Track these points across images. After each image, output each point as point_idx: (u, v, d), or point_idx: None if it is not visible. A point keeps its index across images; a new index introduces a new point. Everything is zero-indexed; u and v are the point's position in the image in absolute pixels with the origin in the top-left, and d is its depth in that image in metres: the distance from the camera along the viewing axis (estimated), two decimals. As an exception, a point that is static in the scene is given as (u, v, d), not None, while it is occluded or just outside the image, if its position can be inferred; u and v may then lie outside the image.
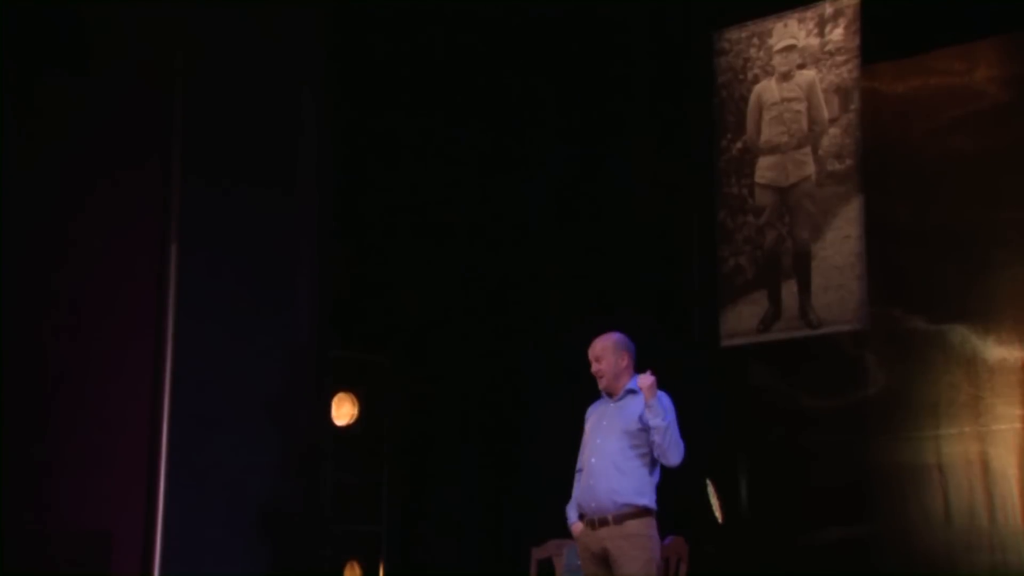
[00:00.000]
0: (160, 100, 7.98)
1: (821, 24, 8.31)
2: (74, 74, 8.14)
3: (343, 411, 8.48)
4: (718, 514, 8.30)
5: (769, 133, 8.50)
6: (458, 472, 8.84)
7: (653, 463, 5.98)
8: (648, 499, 5.95)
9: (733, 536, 8.20)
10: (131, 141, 8.07)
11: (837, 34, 8.25)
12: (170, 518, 7.52)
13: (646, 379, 5.91)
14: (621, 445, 5.95)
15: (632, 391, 6.05)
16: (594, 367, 6.11)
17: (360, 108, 8.96)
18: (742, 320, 8.43)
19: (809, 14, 8.36)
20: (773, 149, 8.48)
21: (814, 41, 8.34)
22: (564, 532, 6.95)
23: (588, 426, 6.18)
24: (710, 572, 7.40)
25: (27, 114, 8.12)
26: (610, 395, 6.12)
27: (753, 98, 8.60)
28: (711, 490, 8.30)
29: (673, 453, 5.91)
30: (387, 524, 8.49)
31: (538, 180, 9.11)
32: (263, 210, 8.19)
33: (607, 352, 6.09)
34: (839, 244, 8.10)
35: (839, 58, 8.22)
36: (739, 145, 8.62)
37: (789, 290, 8.29)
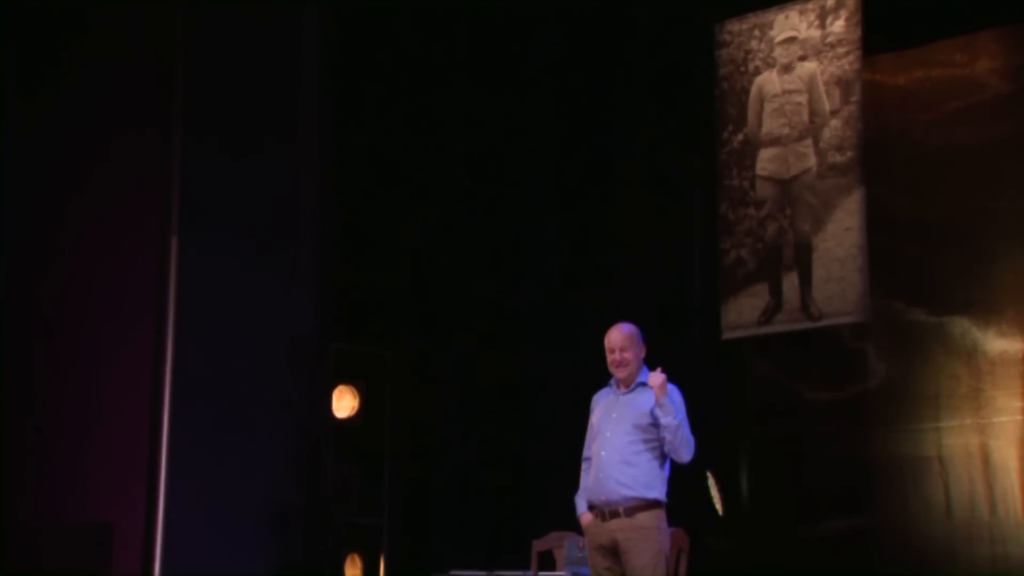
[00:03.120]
0: (159, 92, 7.99)
1: (822, 16, 8.31)
2: (74, 48, 8.16)
3: (344, 403, 8.47)
4: (719, 506, 8.30)
5: (770, 125, 8.50)
6: (459, 464, 8.84)
7: (663, 456, 5.97)
8: (658, 492, 5.94)
9: (734, 527, 8.20)
10: (131, 123, 8.09)
11: (838, 26, 8.24)
12: (171, 510, 7.53)
13: (657, 377, 5.87)
14: (631, 439, 5.93)
15: (643, 384, 6.02)
16: (616, 356, 6.02)
17: (362, 102, 8.97)
18: (743, 312, 8.43)
19: (810, 6, 8.35)
20: (774, 141, 8.47)
21: (815, 33, 8.33)
22: (565, 524, 6.96)
23: (595, 416, 6.14)
24: (711, 563, 7.41)
25: (27, 87, 8.15)
26: (623, 386, 6.08)
27: (754, 90, 8.59)
28: (712, 482, 8.30)
29: (684, 451, 5.92)
30: (388, 516, 8.48)
31: (538, 171, 9.11)
32: (265, 202, 8.20)
33: (631, 342, 6.05)
34: (840, 236, 8.10)
35: (840, 50, 8.22)
36: (740, 137, 8.61)
37: (790, 282, 8.29)
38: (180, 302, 7.72)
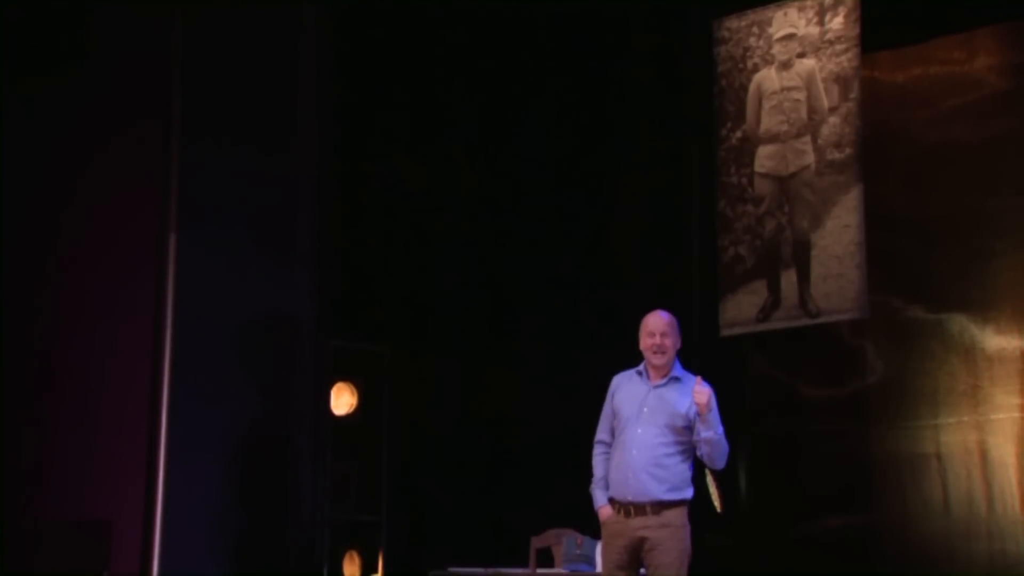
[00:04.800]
0: (158, 90, 7.99)
1: (821, 13, 8.30)
2: (74, 46, 8.18)
3: (342, 401, 8.48)
4: (717, 503, 8.30)
5: (769, 122, 8.49)
6: (457, 461, 8.84)
7: (692, 456, 5.93)
8: (686, 492, 5.92)
9: (732, 525, 8.20)
10: (130, 120, 8.10)
11: (837, 23, 8.23)
12: (169, 508, 7.55)
13: (704, 393, 5.78)
14: (664, 440, 5.86)
15: (676, 378, 5.96)
16: (656, 340, 5.91)
17: (361, 98, 8.97)
18: (742, 309, 8.43)
19: (809, 3, 8.34)
20: (773, 138, 8.47)
21: (814, 30, 8.33)
22: (563, 521, 6.96)
23: (623, 407, 5.98)
24: (709, 561, 7.41)
25: (27, 85, 8.17)
26: (657, 376, 5.97)
27: (753, 87, 8.58)
28: (710, 479, 8.30)
29: (720, 460, 5.91)
30: (386, 514, 8.49)
31: (537, 169, 9.10)
32: (263, 199, 8.21)
33: (673, 329, 5.98)
34: (838, 233, 8.09)
35: (839, 47, 8.21)
36: (739, 134, 8.61)
37: (788, 279, 8.28)
38: (178, 299, 7.73)
